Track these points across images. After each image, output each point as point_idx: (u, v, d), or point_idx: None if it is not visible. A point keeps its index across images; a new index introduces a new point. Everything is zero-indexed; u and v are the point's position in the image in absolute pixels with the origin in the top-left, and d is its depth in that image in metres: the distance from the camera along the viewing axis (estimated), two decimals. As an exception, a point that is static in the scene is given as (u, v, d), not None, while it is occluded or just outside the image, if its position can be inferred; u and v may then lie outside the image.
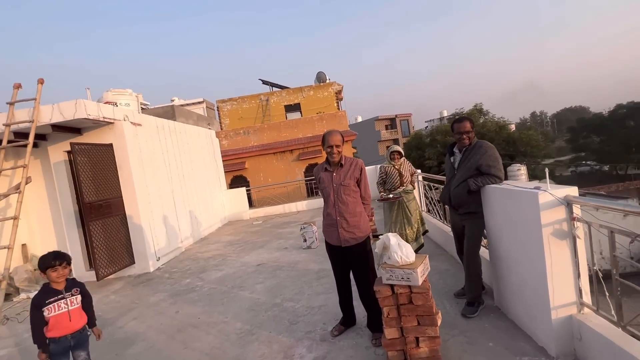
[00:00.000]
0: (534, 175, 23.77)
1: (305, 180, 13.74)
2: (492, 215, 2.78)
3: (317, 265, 4.77)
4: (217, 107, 19.80)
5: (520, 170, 19.68)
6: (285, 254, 5.66)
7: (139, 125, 6.14)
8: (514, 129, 32.14)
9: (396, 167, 4.43)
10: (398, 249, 2.28)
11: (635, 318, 1.85)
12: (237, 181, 15.75)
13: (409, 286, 2.25)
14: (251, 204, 12.10)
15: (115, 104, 7.27)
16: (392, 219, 4.44)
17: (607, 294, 1.99)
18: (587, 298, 2.18)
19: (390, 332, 2.31)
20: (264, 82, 21.83)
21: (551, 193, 2.11)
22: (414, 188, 4.66)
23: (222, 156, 11.83)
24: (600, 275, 2.05)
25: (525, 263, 2.41)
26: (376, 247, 2.44)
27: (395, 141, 41.48)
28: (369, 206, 2.79)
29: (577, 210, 2.12)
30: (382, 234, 2.49)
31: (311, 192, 13.71)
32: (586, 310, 2.17)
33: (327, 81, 20.06)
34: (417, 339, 2.28)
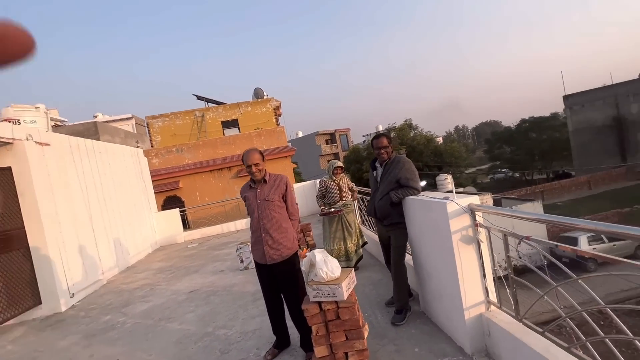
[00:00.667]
0: (459, 183, 26.19)
1: (245, 198, 13.37)
2: (412, 225, 2.96)
3: (254, 286, 4.60)
4: (147, 124, 18.54)
5: (447, 179, 21.56)
6: (221, 278, 5.39)
7: (47, 145, 5.46)
8: (441, 141, 35.33)
9: (336, 181, 4.55)
10: (323, 265, 2.30)
11: (527, 311, 2.08)
12: (170, 202, 14.75)
13: (336, 302, 2.28)
14: (187, 226, 11.39)
15: (18, 122, 6.40)
16: (332, 234, 4.50)
17: (507, 291, 2.21)
18: (492, 297, 2.40)
19: (320, 351, 2.30)
20: (199, 98, 21.07)
21: (457, 202, 2.31)
22: (354, 201, 4.81)
23: (153, 176, 11.03)
24: (501, 274, 2.28)
25: (441, 268, 2.59)
26: (304, 264, 2.44)
27: (336, 155, 42.69)
28: (297, 222, 2.79)
29: (479, 217, 2.35)
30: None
31: (252, 210, 13.35)
32: (492, 307, 2.39)
33: (265, 97, 20.05)
34: (346, 354, 2.30)
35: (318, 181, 4.82)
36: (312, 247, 5.92)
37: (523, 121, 40.53)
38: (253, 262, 5.62)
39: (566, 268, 1.84)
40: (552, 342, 1.87)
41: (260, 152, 2.69)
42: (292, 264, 2.64)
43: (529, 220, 2.00)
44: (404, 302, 3.03)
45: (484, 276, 2.38)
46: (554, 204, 25.34)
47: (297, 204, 2.85)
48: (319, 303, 2.31)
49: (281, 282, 2.66)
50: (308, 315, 2.30)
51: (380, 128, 47.15)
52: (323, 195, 4.53)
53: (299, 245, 3.00)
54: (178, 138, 17.87)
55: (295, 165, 20.90)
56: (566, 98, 35.05)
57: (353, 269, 2.59)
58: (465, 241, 2.35)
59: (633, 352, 1.51)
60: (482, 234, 2.34)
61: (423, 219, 2.74)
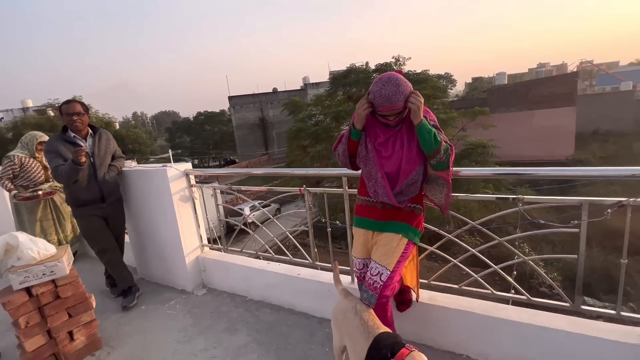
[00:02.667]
0: (144, 170, 25.43)
1: None
2: (131, 196, 3.01)
3: None
4: None
5: (134, 166, 20.42)
6: None
7: None
8: (118, 127, 32.30)
9: (39, 159, 3.49)
10: (32, 245, 1.99)
11: (230, 242, 2.92)
12: None
13: (53, 281, 2.05)
14: None
15: None
16: (37, 220, 3.41)
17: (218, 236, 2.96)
18: (205, 240, 3.06)
19: (32, 343, 1.99)
20: None
21: (176, 168, 2.74)
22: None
23: None
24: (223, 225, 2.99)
25: (163, 229, 2.92)
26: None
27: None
28: None
29: (192, 179, 2.90)
30: None
31: None
32: (206, 249, 3.06)
33: None
34: (70, 332, 2.14)
35: (6, 158, 3.39)
36: None
37: (199, 114, 45.14)
38: None
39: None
40: (248, 257, 2.82)
41: None
42: None
43: (238, 175, 2.80)
44: (130, 279, 2.89)
45: (198, 226, 2.99)
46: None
47: None
48: (27, 289, 1.98)
49: None
50: (12, 307, 1.90)
51: (31, 104, 35.91)
52: (15, 176, 3.32)
53: None
54: None
55: None
56: (230, 98, 42.62)
57: (68, 245, 2.35)
58: (184, 200, 2.84)
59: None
60: (196, 193, 2.93)
61: (143, 188, 2.91)
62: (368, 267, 1.69)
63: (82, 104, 2.69)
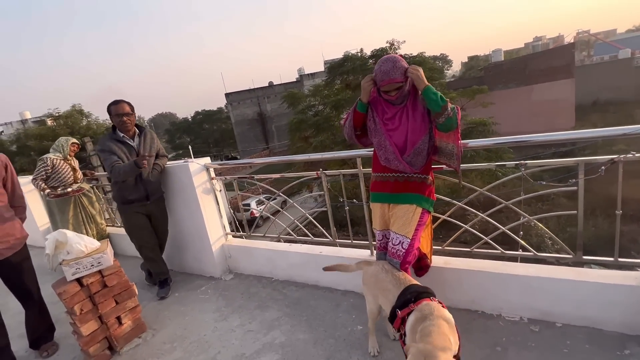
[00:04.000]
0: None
1: None
2: (167, 192, 3.12)
3: None
4: None
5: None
6: None
7: None
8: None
9: (69, 161, 3.66)
10: (79, 239, 2.18)
11: (252, 230, 3.11)
12: None
13: (99, 272, 2.25)
14: None
15: None
16: (69, 220, 3.61)
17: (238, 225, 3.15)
18: (228, 229, 3.25)
19: (87, 327, 2.20)
20: None
21: (197, 162, 2.92)
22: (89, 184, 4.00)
23: None
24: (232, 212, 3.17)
25: (188, 220, 3.11)
26: (46, 248, 2.14)
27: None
28: (23, 208, 2.30)
29: (212, 172, 3.08)
30: None
31: None
32: (229, 237, 3.25)
33: None
34: (118, 317, 2.35)
35: (40, 160, 3.60)
36: None
37: (197, 113, 45.21)
38: None
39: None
40: (270, 241, 3.01)
41: None
42: (23, 255, 2.21)
43: (260, 165, 2.97)
44: (166, 271, 3.06)
45: (221, 216, 3.18)
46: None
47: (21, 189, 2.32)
48: (78, 280, 2.18)
49: (12, 279, 2.16)
50: (67, 296, 2.10)
51: (29, 115, 36.03)
52: (47, 177, 3.53)
53: None
54: None
55: None
56: (227, 95, 42.56)
57: (107, 239, 2.55)
58: (206, 192, 3.02)
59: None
60: (217, 185, 3.10)
61: (168, 184, 3.09)
62: (389, 238, 1.87)
63: (129, 105, 2.79)
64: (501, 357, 1.77)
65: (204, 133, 42.68)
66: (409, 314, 1.42)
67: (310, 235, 2.80)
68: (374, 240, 2.09)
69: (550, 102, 22.74)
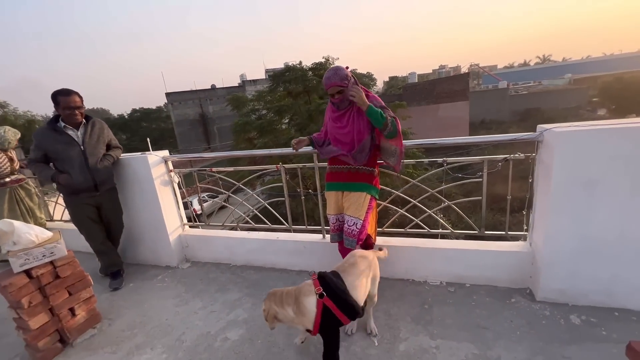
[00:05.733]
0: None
1: None
2: (124, 183, 2.86)
3: None
4: None
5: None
6: None
7: None
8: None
9: (8, 152, 3.12)
10: (28, 229, 1.91)
11: (211, 218, 3.02)
12: None
13: (51, 263, 1.99)
14: None
15: None
16: (3, 213, 3.03)
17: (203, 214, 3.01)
18: (185, 220, 3.10)
19: (36, 321, 1.93)
20: None
21: (155, 154, 2.74)
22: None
23: None
24: (201, 204, 3.02)
25: (145, 212, 2.88)
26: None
27: None
28: None
29: (170, 165, 2.91)
30: None
31: None
32: (186, 227, 3.10)
33: None
34: (71, 309, 2.10)
35: None
36: None
37: (135, 111, 40.82)
38: None
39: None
40: (224, 230, 2.95)
41: None
42: None
43: (210, 160, 2.88)
44: (119, 263, 2.81)
45: (179, 207, 3.01)
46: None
47: None
48: (27, 272, 1.90)
49: None
50: (14, 289, 1.82)
51: None
52: None
53: None
54: None
55: None
56: (168, 95, 39.23)
57: (59, 230, 2.25)
58: (164, 184, 2.84)
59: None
60: (175, 177, 2.94)
61: (124, 176, 2.82)
62: (344, 221, 2.02)
63: (80, 96, 2.42)
64: (429, 313, 2.04)
65: (142, 131, 38.71)
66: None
67: (267, 222, 2.83)
68: (327, 226, 2.22)
69: (452, 118, 25.74)
